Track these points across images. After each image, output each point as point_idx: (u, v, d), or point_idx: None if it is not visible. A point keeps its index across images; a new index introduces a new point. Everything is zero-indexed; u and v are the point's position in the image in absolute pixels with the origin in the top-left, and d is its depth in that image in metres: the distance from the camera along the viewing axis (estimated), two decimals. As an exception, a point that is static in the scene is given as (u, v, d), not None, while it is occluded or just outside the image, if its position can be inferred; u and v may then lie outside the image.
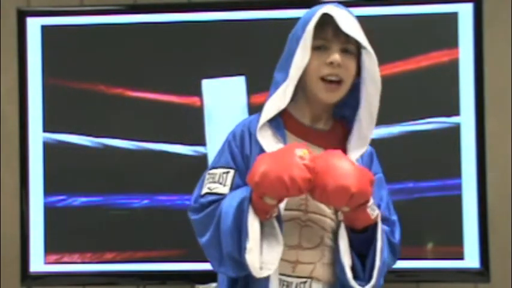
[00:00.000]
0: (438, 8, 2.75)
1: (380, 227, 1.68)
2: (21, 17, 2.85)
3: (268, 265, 1.62)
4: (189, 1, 2.92)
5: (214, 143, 2.73)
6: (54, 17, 2.87)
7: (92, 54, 2.84)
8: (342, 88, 1.73)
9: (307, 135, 1.77)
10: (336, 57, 1.70)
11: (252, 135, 1.76)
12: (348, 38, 1.70)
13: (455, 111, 2.73)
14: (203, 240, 1.72)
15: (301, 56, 1.70)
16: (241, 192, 1.66)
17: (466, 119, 2.73)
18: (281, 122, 1.76)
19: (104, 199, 2.81)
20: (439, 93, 2.74)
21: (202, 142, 2.78)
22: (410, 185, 2.73)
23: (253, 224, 1.62)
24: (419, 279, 2.80)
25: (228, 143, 1.79)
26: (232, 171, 1.74)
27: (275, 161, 1.58)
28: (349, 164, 1.61)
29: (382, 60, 2.72)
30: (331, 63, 1.70)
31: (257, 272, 1.60)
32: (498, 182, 2.78)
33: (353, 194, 1.56)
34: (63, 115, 2.84)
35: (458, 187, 2.73)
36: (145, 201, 2.80)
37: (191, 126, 2.80)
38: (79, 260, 2.82)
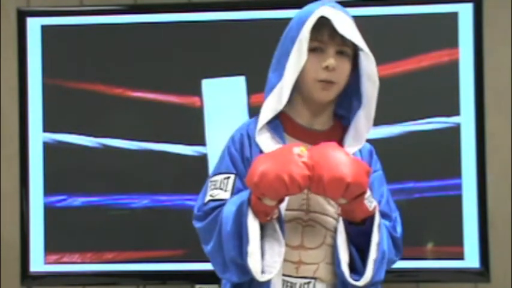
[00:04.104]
0: (438, 8, 2.74)
1: (378, 218, 1.68)
2: (21, 17, 2.85)
3: (270, 268, 1.62)
4: (189, 1, 2.91)
5: (214, 143, 2.73)
6: (54, 17, 2.86)
7: (92, 54, 2.84)
8: (334, 88, 1.73)
9: (305, 136, 1.76)
10: (332, 61, 1.69)
11: (251, 138, 1.76)
12: (343, 40, 1.70)
13: (455, 111, 2.73)
14: (208, 247, 1.72)
15: (297, 58, 1.69)
16: (241, 196, 1.66)
17: (466, 119, 2.73)
18: (279, 124, 1.76)
19: (104, 199, 2.81)
20: (439, 93, 2.74)
21: (202, 142, 2.78)
22: (410, 185, 2.72)
23: (253, 226, 1.61)
24: (419, 279, 2.79)
25: (227, 149, 1.79)
26: (232, 176, 1.74)
27: (273, 160, 1.57)
28: (344, 155, 1.60)
29: (383, 60, 2.75)
30: (327, 67, 1.70)
31: (259, 276, 1.60)
32: (498, 182, 2.78)
33: (349, 184, 1.55)
34: (63, 115, 2.84)
35: (458, 187, 2.72)
36: (145, 201, 2.80)
37: (191, 126, 2.79)
38: (79, 260, 2.81)
